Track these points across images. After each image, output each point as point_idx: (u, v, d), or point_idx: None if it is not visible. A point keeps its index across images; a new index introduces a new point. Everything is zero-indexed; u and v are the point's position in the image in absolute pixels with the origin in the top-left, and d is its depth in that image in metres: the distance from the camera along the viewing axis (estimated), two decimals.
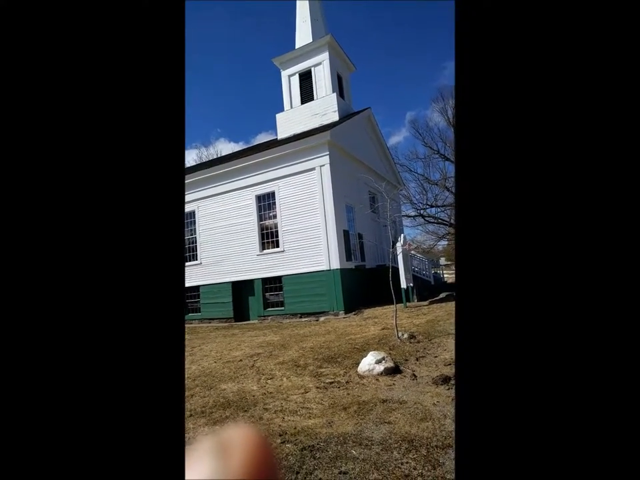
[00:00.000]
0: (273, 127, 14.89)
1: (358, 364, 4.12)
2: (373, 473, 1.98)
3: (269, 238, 10.75)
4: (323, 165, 9.92)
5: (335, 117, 11.64)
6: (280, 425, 2.78)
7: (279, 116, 12.85)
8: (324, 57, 12.27)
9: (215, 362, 5.22)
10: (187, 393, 3.83)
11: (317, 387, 3.63)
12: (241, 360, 5.15)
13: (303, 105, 12.40)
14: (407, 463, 2.06)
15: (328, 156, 9.87)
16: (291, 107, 12.72)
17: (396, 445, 2.27)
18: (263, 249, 10.79)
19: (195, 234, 12.07)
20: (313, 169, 10.08)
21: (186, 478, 0.16)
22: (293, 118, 12.46)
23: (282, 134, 12.66)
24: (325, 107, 11.91)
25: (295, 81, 12.84)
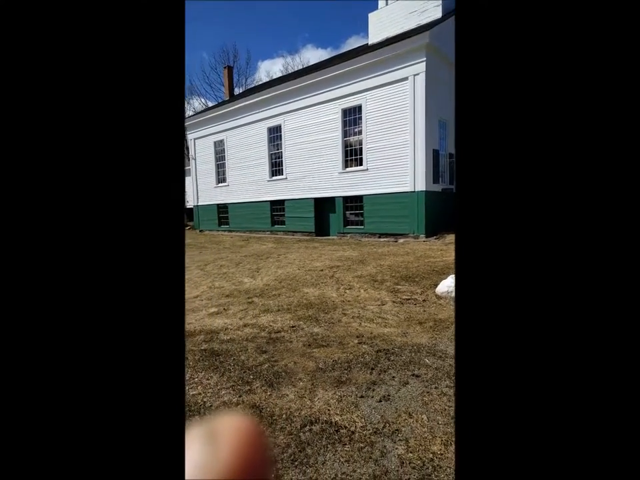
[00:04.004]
0: (365, 29, 13.51)
1: (436, 285, 4.12)
2: (445, 380, 2.08)
3: (352, 155, 10.51)
4: (418, 74, 8.89)
5: (437, 14, 9.96)
6: (357, 329, 3.01)
7: (371, 16, 11.46)
8: None
9: (298, 269, 5.68)
10: (274, 292, 4.30)
11: (394, 302, 3.78)
12: (321, 270, 5.51)
13: (400, 0, 10.78)
14: None
15: (424, 63, 8.75)
16: (387, 4, 11.17)
17: None
18: (346, 166, 10.65)
19: (281, 149, 12.31)
20: (406, 78, 9.12)
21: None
22: (387, 18, 11.01)
23: (373, 38, 11.42)
24: (424, 1, 10.20)
25: None
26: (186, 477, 0.15)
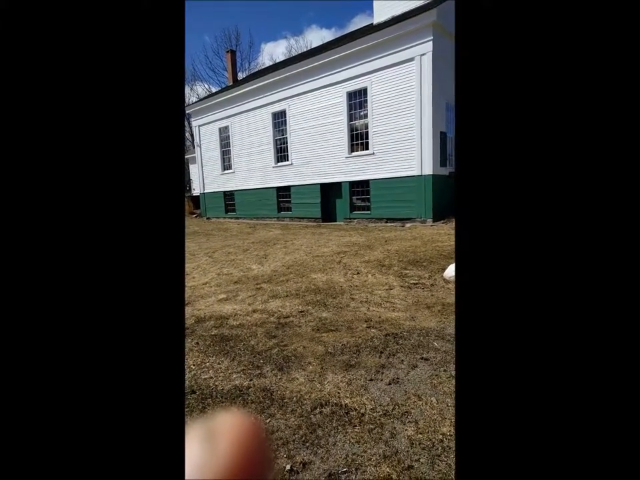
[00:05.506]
0: (370, 7, 13.09)
1: (444, 269, 4.11)
2: (453, 363, 2.09)
3: (358, 139, 10.36)
4: (424, 54, 8.65)
5: None
6: (365, 314, 3.02)
7: None
8: None
9: (306, 255, 5.69)
10: (282, 278, 4.32)
11: (401, 286, 3.78)
12: (329, 256, 5.52)
13: None
14: None
15: (431, 42, 8.50)
16: None
17: None
18: (352, 151, 10.52)
19: (286, 134, 12.18)
20: (412, 59, 8.89)
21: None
22: None
23: (379, 17, 11.10)
24: None
25: None
26: (186, 476, 0.15)
